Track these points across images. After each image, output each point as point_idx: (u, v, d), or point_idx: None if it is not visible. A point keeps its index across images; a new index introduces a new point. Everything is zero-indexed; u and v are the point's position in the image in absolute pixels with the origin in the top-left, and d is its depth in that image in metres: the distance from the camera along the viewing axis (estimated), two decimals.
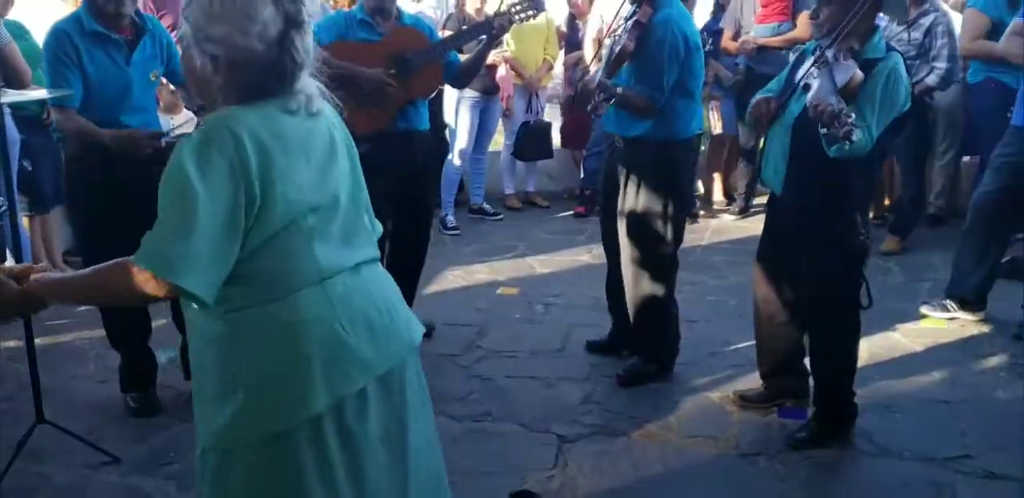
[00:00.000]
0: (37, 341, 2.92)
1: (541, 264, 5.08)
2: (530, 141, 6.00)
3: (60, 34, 2.94)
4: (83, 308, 3.84)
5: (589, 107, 3.01)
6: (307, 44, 1.58)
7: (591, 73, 3.43)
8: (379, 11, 3.56)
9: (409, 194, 3.72)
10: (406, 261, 3.90)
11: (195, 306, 1.53)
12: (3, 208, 2.64)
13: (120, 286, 1.49)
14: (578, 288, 4.58)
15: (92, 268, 1.54)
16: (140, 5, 3.31)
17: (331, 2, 5.63)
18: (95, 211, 3.06)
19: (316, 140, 1.62)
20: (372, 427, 1.67)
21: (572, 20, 6.37)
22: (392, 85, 3.49)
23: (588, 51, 5.78)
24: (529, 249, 5.37)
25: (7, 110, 3.95)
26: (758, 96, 2.99)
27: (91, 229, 3.13)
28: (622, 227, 3.40)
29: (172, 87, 4.13)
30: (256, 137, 1.49)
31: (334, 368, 1.59)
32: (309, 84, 1.61)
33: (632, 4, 3.31)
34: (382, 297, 1.72)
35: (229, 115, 1.52)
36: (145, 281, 1.45)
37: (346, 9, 5.10)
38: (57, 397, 3.19)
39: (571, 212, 6.22)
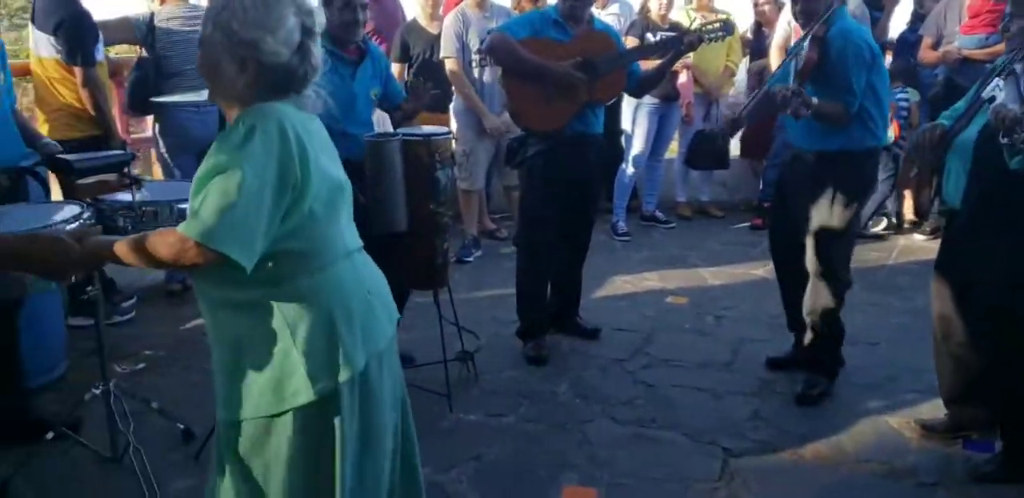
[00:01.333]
0: None
1: (713, 275, 5.00)
2: (702, 150, 5.87)
3: None
4: None
5: (790, 110, 2.97)
6: (319, 52, 1.73)
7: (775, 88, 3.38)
8: (571, 16, 3.65)
9: (577, 199, 3.76)
10: (569, 266, 3.95)
11: (229, 280, 1.63)
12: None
13: (164, 251, 1.59)
14: (751, 303, 4.47)
15: (142, 233, 1.67)
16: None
17: (516, 9, 5.74)
18: None
19: (325, 135, 1.80)
20: (386, 388, 1.84)
21: (758, 27, 6.22)
22: (582, 80, 3.54)
23: (774, 59, 5.63)
24: (701, 259, 5.29)
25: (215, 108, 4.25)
26: (927, 125, 2.89)
27: None
28: (810, 241, 3.32)
29: None
30: (294, 126, 1.63)
31: (369, 329, 1.78)
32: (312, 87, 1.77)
33: (804, 28, 3.27)
34: (379, 273, 1.91)
35: (271, 107, 1.65)
36: (188, 249, 1.56)
37: (540, 7, 5.22)
38: None
39: (747, 224, 6.08)
